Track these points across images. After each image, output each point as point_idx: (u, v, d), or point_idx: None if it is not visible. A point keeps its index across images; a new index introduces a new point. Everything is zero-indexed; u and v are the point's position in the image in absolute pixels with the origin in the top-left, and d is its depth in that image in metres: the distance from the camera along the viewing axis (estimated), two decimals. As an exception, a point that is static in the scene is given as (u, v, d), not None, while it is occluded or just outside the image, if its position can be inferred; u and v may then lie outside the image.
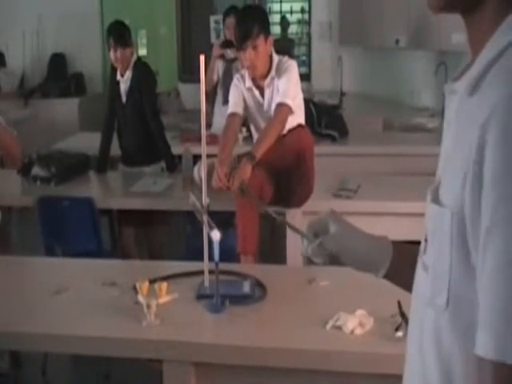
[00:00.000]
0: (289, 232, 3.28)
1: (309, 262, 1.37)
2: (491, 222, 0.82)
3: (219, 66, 5.03)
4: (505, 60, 0.88)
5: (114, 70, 4.07)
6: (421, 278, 1.01)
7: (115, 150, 4.13)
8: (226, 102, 4.27)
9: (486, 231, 0.83)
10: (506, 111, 0.82)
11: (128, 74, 3.94)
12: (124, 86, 3.97)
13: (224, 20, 5.18)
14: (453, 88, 0.95)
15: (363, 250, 1.26)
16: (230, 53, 4.92)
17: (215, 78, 5.03)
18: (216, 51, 5.02)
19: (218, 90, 5.05)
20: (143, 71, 4.00)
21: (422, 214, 2.64)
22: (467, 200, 0.86)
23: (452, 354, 0.92)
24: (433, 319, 0.96)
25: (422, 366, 1.00)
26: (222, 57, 5.01)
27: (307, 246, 1.31)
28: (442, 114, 5.33)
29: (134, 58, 3.99)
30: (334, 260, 1.29)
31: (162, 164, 4.04)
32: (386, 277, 1.22)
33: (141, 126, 3.96)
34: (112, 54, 3.90)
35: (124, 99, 3.99)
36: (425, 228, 0.99)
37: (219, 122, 4.51)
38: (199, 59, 2.22)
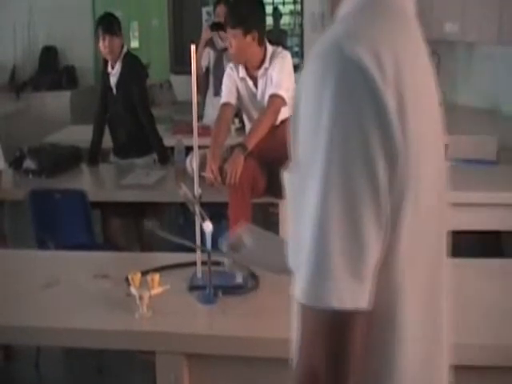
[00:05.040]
0: (281, 223, 3.27)
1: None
2: (302, 175, 0.87)
3: (210, 55, 5.00)
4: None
5: (105, 62, 4.06)
6: None
7: (107, 142, 4.11)
8: (217, 93, 4.25)
9: (299, 186, 0.88)
10: (306, 67, 0.87)
11: (118, 66, 3.93)
12: (114, 79, 3.95)
13: (215, 8, 5.18)
14: None
15: (279, 258, 1.29)
16: (220, 42, 4.89)
17: (205, 63, 4.99)
18: (206, 34, 4.99)
19: (209, 82, 5.02)
20: (132, 64, 3.98)
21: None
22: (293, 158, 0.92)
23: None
24: (292, 282, 0.98)
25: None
26: (213, 45, 4.98)
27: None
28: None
29: (124, 50, 3.97)
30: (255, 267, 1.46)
31: (154, 156, 4.02)
32: None
33: (132, 118, 3.94)
34: (101, 43, 3.89)
35: (115, 91, 3.97)
36: None
37: (211, 113, 4.49)
38: (191, 49, 2.20)
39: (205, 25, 5.42)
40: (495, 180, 3.40)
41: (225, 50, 4.80)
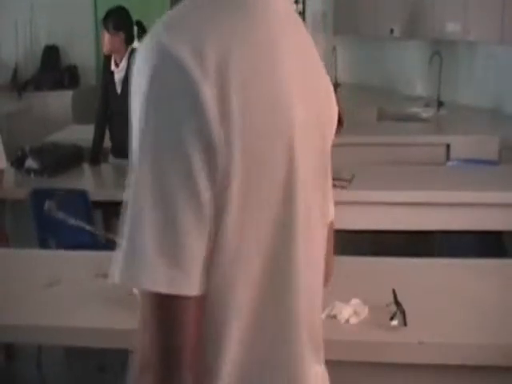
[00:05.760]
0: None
1: None
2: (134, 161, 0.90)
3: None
4: None
5: (107, 60, 4.04)
6: None
7: (109, 142, 4.11)
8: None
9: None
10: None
11: (123, 63, 3.92)
12: (119, 76, 3.94)
13: None
14: None
15: None
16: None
17: None
18: None
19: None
20: None
21: (415, 203, 2.70)
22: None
23: None
24: None
25: None
26: None
27: None
28: (437, 103, 5.32)
29: (130, 48, 3.96)
30: None
31: (156, 155, 4.01)
32: None
33: (135, 116, 3.93)
34: (103, 38, 3.88)
35: (119, 89, 3.96)
36: None
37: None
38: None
39: None
40: (497, 180, 3.40)
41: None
